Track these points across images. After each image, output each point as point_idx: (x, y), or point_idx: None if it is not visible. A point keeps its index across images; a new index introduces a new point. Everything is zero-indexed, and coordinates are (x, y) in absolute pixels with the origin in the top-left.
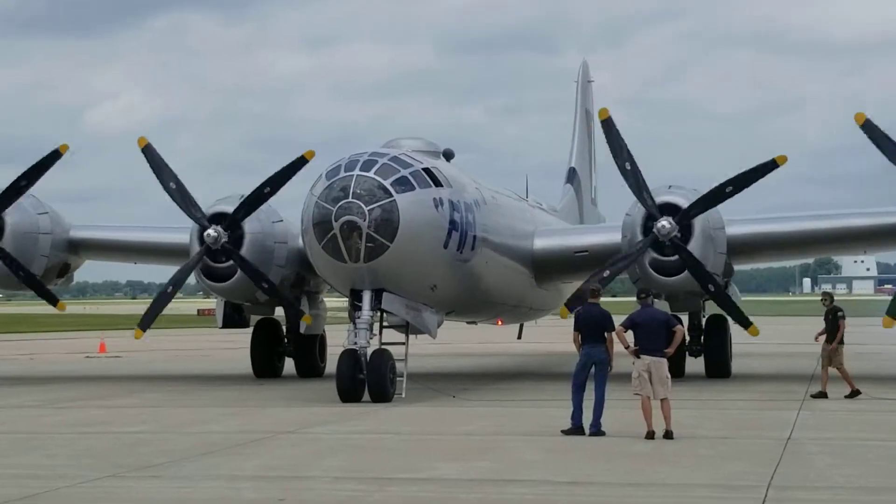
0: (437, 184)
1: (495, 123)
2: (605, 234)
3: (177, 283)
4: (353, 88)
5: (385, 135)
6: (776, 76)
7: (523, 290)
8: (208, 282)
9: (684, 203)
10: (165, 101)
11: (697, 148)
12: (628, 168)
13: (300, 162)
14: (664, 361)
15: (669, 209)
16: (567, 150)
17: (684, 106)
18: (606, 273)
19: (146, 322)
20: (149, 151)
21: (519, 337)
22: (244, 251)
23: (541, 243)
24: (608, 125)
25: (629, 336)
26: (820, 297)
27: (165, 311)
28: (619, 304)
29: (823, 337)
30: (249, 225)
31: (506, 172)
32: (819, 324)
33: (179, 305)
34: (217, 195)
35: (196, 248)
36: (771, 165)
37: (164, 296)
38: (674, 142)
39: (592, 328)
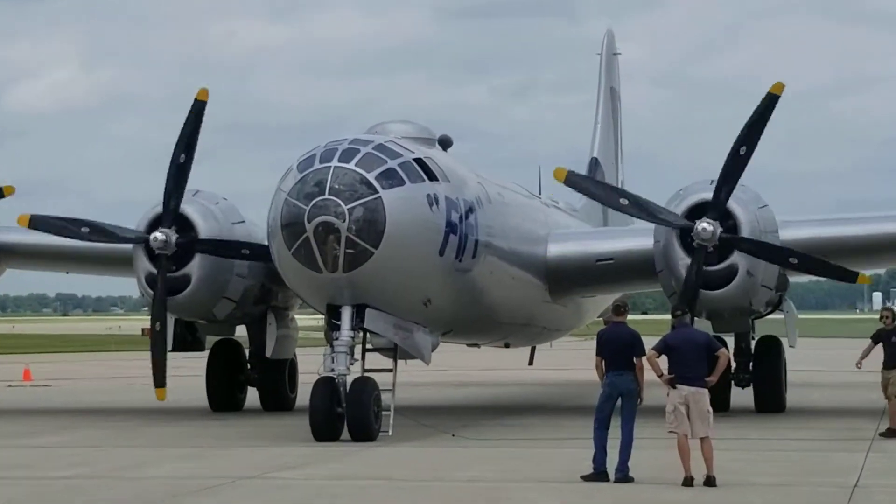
0: (432, 177)
1: (502, 105)
2: (633, 239)
3: (160, 315)
4: (331, 64)
5: (370, 119)
6: (845, 49)
7: (535, 306)
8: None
9: (732, 203)
10: (104, 78)
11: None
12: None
13: (198, 108)
14: (705, 392)
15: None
16: (588, 137)
17: (731, 85)
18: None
19: (160, 376)
20: None
21: (530, 363)
22: (197, 258)
23: (556, 249)
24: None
25: (662, 362)
26: (880, 314)
27: (102, 332)
28: (651, 324)
29: (876, 362)
30: (204, 225)
31: (514, 163)
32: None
33: (120, 323)
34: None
35: (142, 260)
36: (769, 101)
37: (157, 337)
38: (717, 128)
39: (618, 352)
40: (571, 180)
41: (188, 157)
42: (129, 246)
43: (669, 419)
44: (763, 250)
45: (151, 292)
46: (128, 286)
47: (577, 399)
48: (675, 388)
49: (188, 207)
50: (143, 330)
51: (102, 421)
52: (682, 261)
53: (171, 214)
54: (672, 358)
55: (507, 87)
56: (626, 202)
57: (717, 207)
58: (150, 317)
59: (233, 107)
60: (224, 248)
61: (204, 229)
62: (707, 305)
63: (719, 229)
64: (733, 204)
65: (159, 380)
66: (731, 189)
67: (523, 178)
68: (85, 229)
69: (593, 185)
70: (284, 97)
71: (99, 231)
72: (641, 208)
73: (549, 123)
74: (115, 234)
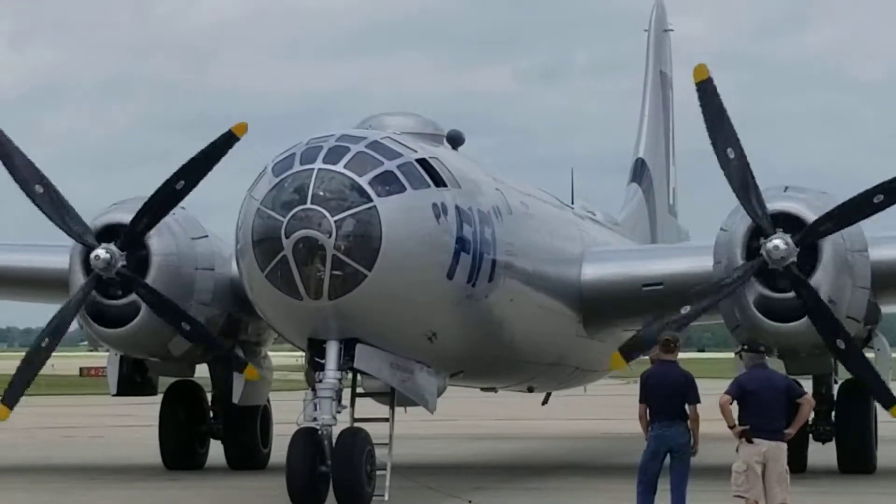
0: (439, 182)
1: (527, 93)
2: (688, 259)
3: (54, 332)
4: (313, 42)
5: (362, 110)
6: None
7: (566, 342)
8: (97, 327)
9: (808, 214)
10: (32, 63)
11: (828, 130)
12: (731, 157)
13: (227, 140)
14: (784, 448)
15: (785, 222)
16: (632, 134)
17: (809, 68)
18: (687, 312)
19: (13, 396)
20: None
21: (544, 402)
22: (150, 281)
23: (592, 272)
24: (707, 91)
25: (734, 410)
26: None
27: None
28: (709, 364)
29: None
30: (158, 242)
31: (541, 165)
32: None
33: (55, 362)
34: (111, 198)
35: (79, 277)
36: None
37: (37, 354)
38: (792, 121)
39: (667, 398)
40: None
41: (187, 187)
42: (65, 265)
43: (738, 481)
44: (817, 317)
45: (92, 322)
46: None
47: (616, 456)
48: (750, 442)
49: (127, 217)
50: (81, 370)
51: (33, 482)
52: (751, 288)
53: (130, 235)
54: (747, 405)
55: (533, 71)
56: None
57: (786, 220)
58: (94, 353)
59: (192, 96)
60: (163, 309)
61: (158, 246)
62: (778, 342)
63: (794, 247)
64: (808, 214)
65: (9, 397)
66: (808, 197)
67: (553, 184)
68: (39, 188)
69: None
70: (255, 84)
71: (51, 199)
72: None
73: (585, 116)
74: (64, 216)
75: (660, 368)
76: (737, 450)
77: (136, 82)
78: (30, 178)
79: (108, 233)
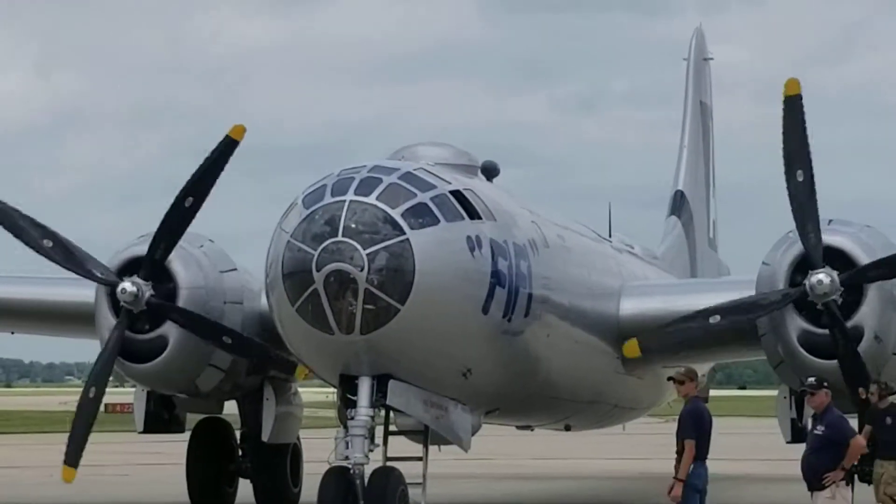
0: (474, 215)
1: (564, 122)
2: (729, 294)
3: (98, 380)
4: (345, 70)
5: (394, 140)
6: None
7: (604, 379)
8: (124, 362)
9: (855, 249)
10: (57, 89)
11: (873, 161)
12: (800, 179)
13: (227, 146)
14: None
15: (831, 256)
16: (671, 165)
17: (854, 97)
18: (716, 321)
19: (74, 455)
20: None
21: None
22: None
23: (631, 306)
24: (793, 107)
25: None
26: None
27: (54, 408)
28: (749, 402)
29: None
30: (185, 275)
31: (578, 197)
32: None
33: (77, 398)
34: (137, 229)
35: (106, 314)
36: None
37: (87, 406)
38: (837, 151)
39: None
40: None
41: (197, 202)
42: (90, 298)
43: None
44: (844, 361)
45: (119, 357)
46: (86, 350)
47: (654, 497)
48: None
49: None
50: (106, 406)
51: None
52: (793, 322)
53: (150, 263)
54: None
55: (570, 100)
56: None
57: (832, 254)
58: (115, 388)
59: (219, 125)
60: (201, 328)
61: (185, 279)
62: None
63: (838, 285)
64: (855, 250)
65: (70, 455)
66: (854, 231)
67: (590, 216)
68: (48, 242)
69: None
70: (285, 112)
71: (62, 249)
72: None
73: (623, 146)
74: (80, 262)
75: (696, 405)
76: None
77: (163, 109)
78: (37, 236)
79: (133, 266)
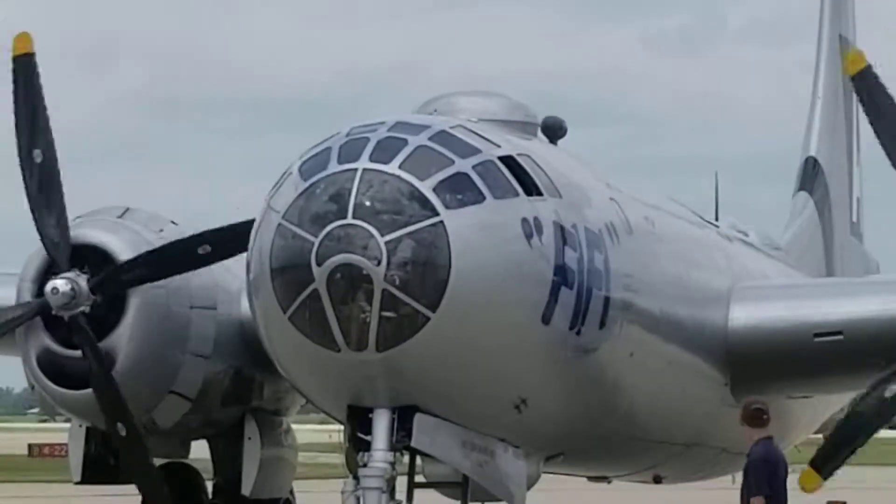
0: (532, 189)
1: (658, 66)
2: (877, 299)
3: (115, 408)
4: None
5: (425, 89)
6: None
7: (707, 413)
8: (54, 387)
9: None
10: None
11: None
12: None
13: (22, 67)
14: None
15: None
16: (801, 124)
17: None
18: None
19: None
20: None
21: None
22: (128, 323)
23: (744, 315)
24: (868, 84)
25: None
26: None
27: None
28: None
29: None
30: (140, 272)
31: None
32: None
33: None
34: (77, 204)
35: (36, 335)
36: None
37: (135, 444)
38: None
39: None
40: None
41: (48, 152)
42: (9, 300)
43: None
44: None
45: (51, 384)
46: (4, 374)
47: None
48: None
49: (109, 237)
50: (31, 447)
51: None
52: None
53: (63, 250)
54: None
55: (666, 36)
56: None
57: None
58: (48, 424)
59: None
60: (169, 261)
61: (139, 277)
62: None
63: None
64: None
65: None
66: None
67: (690, 192)
68: (38, 154)
69: None
70: (283, 55)
71: (49, 176)
72: None
73: (737, 99)
74: (51, 207)
75: (765, 447)
76: None
77: (121, 50)
78: (35, 139)
79: (73, 257)
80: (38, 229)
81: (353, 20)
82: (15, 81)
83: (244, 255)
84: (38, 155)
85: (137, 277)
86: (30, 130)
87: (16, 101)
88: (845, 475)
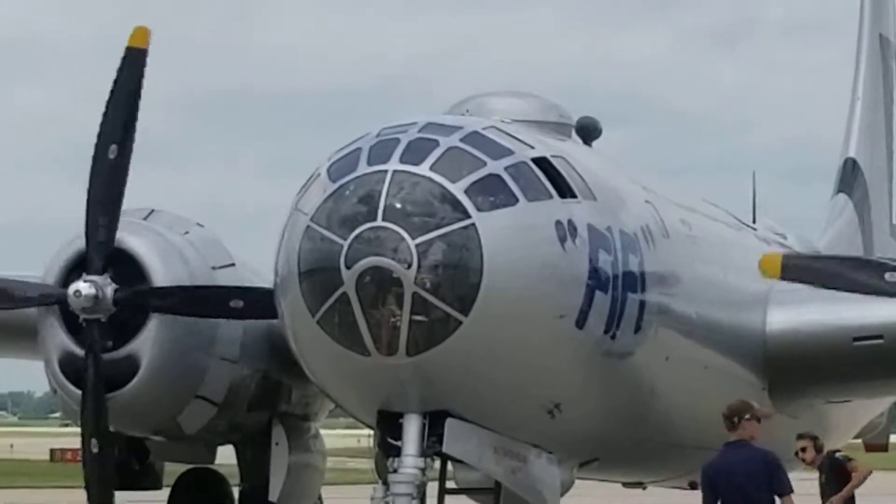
0: (565, 192)
1: (694, 63)
2: None
3: (95, 428)
4: None
5: (458, 88)
6: None
7: None
8: (76, 391)
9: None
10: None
11: None
12: None
13: (131, 62)
14: None
15: None
16: (840, 124)
17: None
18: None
19: None
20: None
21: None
22: (153, 327)
23: (782, 319)
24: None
25: None
26: None
27: None
28: None
29: None
30: (163, 270)
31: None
32: None
33: (17, 441)
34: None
35: (56, 336)
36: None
37: (95, 467)
38: None
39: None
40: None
41: (123, 150)
42: (31, 310)
43: None
44: None
45: (72, 388)
46: (26, 377)
47: None
48: None
49: (134, 240)
50: (53, 452)
51: None
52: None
53: (102, 251)
54: None
55: (704, 33)
56: None
57: None
58: (70, 429)
59: (222, 64)
60: (199, 303)
61: (164, 278)
62: None
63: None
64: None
65: None
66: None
67: (727, 193)
68: (114, 150)
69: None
70: (311, 48)
71: (118, 174)
72: None
73: (775, 96)
74: (5, 290)
75: (727, 453)
76: None
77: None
78: (115, 134)
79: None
80: (86, 222)
81: (379, 15)
82: (120, 71)
83: (272, 257)
84: (113, 150)
85: (163, 307)
86: (114, 124)
87: (113, 92)
88: (884, 481)
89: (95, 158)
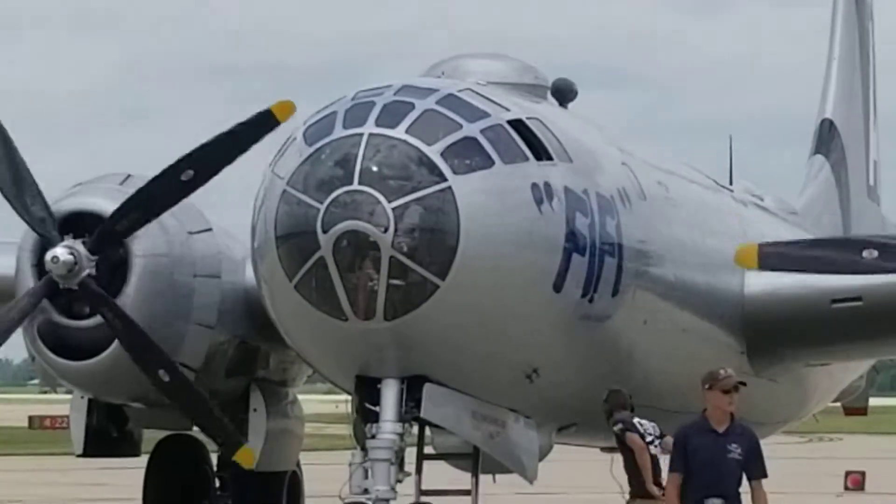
0: (541, 154)
1: (671, 24)
2: None
3: (156, 357)
4: None
5: (434, 51)
6: None
7: None
8: (55, 358)
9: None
10: None
11: None
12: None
13: (263, 123)
14: None
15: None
16: (816, 86)
17: None
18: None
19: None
20: None
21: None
22: (130, 293)
23: (761, 282)
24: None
25: None
26: None
27: None
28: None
29: None
30: (141, 238)
31: (689, 129)
32: None
33: None
34: (73, 174)
35: (29, 283)
36: None
37: (180, 382)
38: None
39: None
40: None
41: (198, 180)
42: (9, 270)
43: None
44: None
45: (52, 355)
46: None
47: None
48: None
49: (108, 204)
50: (32, 419)
51: None
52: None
53: (51, 221)
54: None
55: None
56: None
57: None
58: (49, 395)
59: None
60: (134, 346)
61: (141, 244)
62: None
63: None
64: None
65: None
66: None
67: (704, 156)
68: None
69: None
70: (285, 20)
71: (12, 162)
72: None
73: (750, 59)
74: (23, 189)
75: (696, 425)
76: None
77: (120, 16)
78: None
79: (72, 225)
80: (17, 213)
81: None
82: (245, 125)
83: (249, 222)
84: None
85: (131, 224)
86: None
87: None
88: (863, 444)
89: (166, 175)
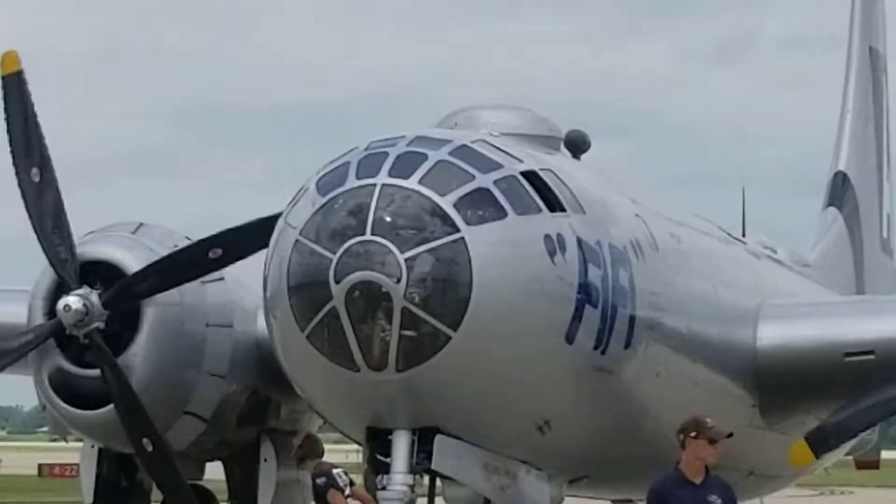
0: (554, 205)
1: (688, 77)
2: None
3: (139, 424)
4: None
5: (448, 101)
6: None
7: (735, 435)
8: (65, 407)
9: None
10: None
11: None
12: None
13: (12, 86)
14: None
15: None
16: (830, 137)
17: None
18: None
19: None
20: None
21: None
22: (142, 342)
23: (773, 334)
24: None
25: None
26: None
27: None
28: None
29: None
30: (152, 282)
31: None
32: None
33: (5, 456)
34: (87, 220)
35: (49, 355)
36: None
37: (160, 457)
38: None
39: None
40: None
41: (46, 170)
42: (20, 318)
43: None
44: None
45: (63, 404)
46: (14, 392)
47: None
48: None
49: (122, 254)
50: (41, 467)
51: None
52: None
53: (71, 268)
54: None
55: (700, 47)
56: None
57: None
58: (59, 444)
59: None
60: (181, 267)
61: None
62: None
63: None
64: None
65: None
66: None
67: (717, 207)
68: (36, 173)
69: None
70: (305, 61)
71: (50, 195)
72: None
73: (768, 110)
74: (54, 225)
75: (668, 478)
76: None
77: (141, 55)
78: (31, 158)
79: (85, 272)
80: (43, 248)
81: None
82: (5, 101)
83: (261, 272)
84: (35, 174)
85: (150, 288)
86: (25, 149)
87: (8, 121)
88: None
89: (22, 187)
